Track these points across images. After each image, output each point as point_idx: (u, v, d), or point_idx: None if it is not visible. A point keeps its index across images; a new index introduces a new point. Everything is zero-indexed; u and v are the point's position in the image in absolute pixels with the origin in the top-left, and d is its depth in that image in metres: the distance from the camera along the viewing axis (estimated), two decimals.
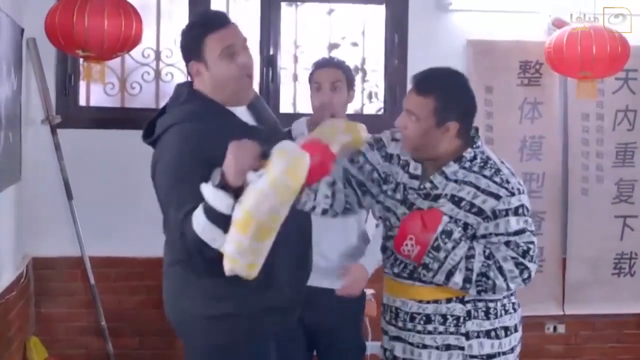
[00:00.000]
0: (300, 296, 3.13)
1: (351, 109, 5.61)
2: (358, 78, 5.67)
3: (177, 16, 5.49)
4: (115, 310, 5.32)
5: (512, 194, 2.93)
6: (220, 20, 2.99)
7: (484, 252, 2.90)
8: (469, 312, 2.99)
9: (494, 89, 5.64)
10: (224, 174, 2.65)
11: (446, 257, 2.88)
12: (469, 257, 2.89)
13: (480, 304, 2.99)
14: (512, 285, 2.93)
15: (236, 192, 2.65)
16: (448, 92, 2.94)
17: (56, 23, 4.38)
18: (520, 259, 2.90)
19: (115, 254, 5.27)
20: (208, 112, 2.92)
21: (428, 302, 3.02)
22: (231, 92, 2.96)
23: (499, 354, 3.01)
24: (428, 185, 3.01)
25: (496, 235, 2.92)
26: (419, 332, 3.04)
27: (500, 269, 2.89)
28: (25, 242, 5.07)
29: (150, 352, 5.44)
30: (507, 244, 2.91)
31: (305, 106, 5.61)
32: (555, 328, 5.82)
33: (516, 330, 3.10)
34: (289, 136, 3.56)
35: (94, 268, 5.13)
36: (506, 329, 3.04)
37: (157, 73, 5.47)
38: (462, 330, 2.99)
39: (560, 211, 5.75)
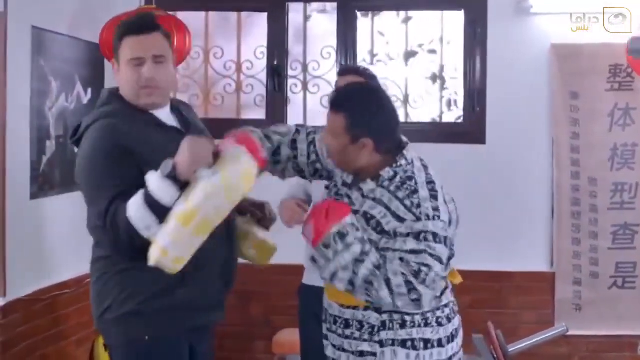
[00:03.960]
0: (219, 297, 3.08)
1: (429, 117, 5.48)
2: (436, 86, 5.48)
3: (257, 30, 5.55)
4: None
5: (418, 219, 2.72)
6: (140, 26, 2.95)
7: (377, 261, 2.73)
8: (383, 323, 2.84)
9: (580, 94, 5.26)
10: (175, 165, 2.65)
11: (334, 257, 2.76)
12: (359, 261, 2.73)
13: (396, 316, 2.83)
14: (398, 303, 2.72)
15: (181, 187, 2.66)
16: (358, 109, 2.82)
17: (104, 39, 4.56)
18: (410, 278, 2.69)
19: None
20: (123, 111, 2.91)
21: (348, 307, 2.91)
22: (131, 96, 2.93)
23: None
24: (347, 200, 2.91)
25: (392, 250, 2.74)
26: (339, 335, 2.94)
27: (387, 282, 2.71)
28: None
29: (225, 355, 5.51)
30: (401, 259, 2.72)
31: None
32: None
33: (441, 345, 2.86)
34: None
35: None
36: (426, 341, 2.84)
37: (239, 85, 5.56)
38: (376, 338, 2.85)
39: None
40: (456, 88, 5.46)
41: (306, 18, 5.54)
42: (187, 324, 2.96)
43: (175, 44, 4.58)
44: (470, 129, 5.37)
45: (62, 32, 4.66)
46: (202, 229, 2.64)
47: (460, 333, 3.00)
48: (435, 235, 2.73)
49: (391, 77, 5.45)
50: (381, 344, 2.84)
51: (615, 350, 5.33)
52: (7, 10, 4.02)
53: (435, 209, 2.76)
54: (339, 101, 2.88)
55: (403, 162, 2.84)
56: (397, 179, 2.81)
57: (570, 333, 5.17)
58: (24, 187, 4.26)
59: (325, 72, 5.45)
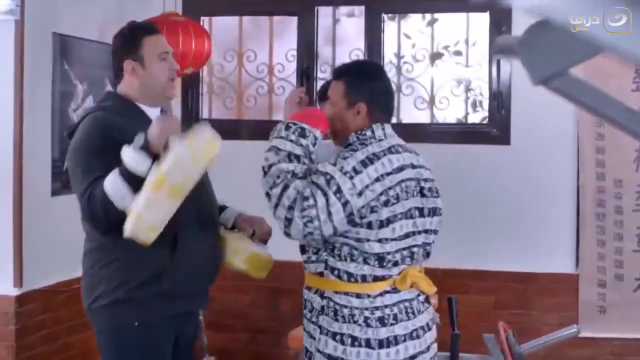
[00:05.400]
0: (202, 286, 3.27)
1: (454, 118, 5.51)
2: (461, 87, 5.50)
3: (288, 34, 5.69)
4: (230, 308, 5.61)
5: (333, 165, 2.88)
6: (155, 27, 3.28)
7: (299, 172, 2.89)
8: (322, 307, 2.95)
9: None
10: (147, 137, 2.89)
11: (282, 140, 2.94)
12: (289, 158, 2.91)
13: (331, 303, 2.94)
14: (278, 211, 2.86)
15: (154, 160, 2.89)
16: (356, 75, 3.09)
17: None
18: (298, 199, 2.82)
19: None
20: (119, 107, 3.17)
21: (305, 287, 3.06)
22: (159, 90, 3.20)
23: (341, 359, 2.91)
24: None
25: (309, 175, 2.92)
26: (303, 315, 3.07)
27: (285, 188, 2.85)
28: None
29: (260, 348, 5.66)
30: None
31: (408, 115, 5.56)
32: None
33: (369, 347, 2.91)
34: None
35: None
36: (354, 338, 2.91)
37: (270, 87, 5.70)
38: (319, 323, 2.96)
39: None
40: (481, 89, 5.47)
41: (335, 21, 5.64)
42: (172, 311, 3.15)
43: (194, 47, 4.82)
44: (495, 130, 5.37)
45: (91, 38, 4.89)
46: (173, 194, 2.86)
47: (408, 345, 2.97)
48: (338, 188, 2.83)
49: (417, 79, 5.50)
50: (320, 330, 2.95)
51: (639, 354, 5.25)
52: (24, 18, 4.25)
53: (356, 171, 2.86)
54: (340, 70, 3.19)
55: (368, 133, 3.01)
56: (356, 143, 2.99)
57: (594, 335, 5.16)
58: (44, 184, 4.50)
59: None
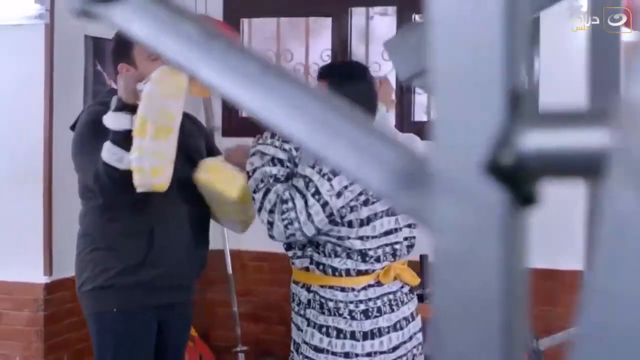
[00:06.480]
0: (184, 279, 3.42)
1: None
2: None
3: (323, 34, 5.82)
4: (267, 300, 5.78)
5: (312, 167, 2.93)
6: None
7: (280, 177, 2.96)
8: (309, 301, 3.05)
9: None
10: (119, 96, 3.07)
11: (266, 144, 3.00)
12: (274, 160, 2.98)
13: (317, 297, 3.03)
14: (260, 215, 2.94)
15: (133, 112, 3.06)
16: (338, 77, 3.10)
17: None
18: (278, 203, 2.90)
19: (267, 249, 5.67)
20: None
21: (294, 282, 3.15)
22: None
23: (327, 351, 3.00)
24: None
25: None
26: (291, 308, 3.17)
27: (266, 192, 2.93)
28: None
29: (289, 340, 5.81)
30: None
31: None
32: None
33: (354, 339, 3.01)
34: None
35: (250, 261, 5.70)
36: (339, 331, 3.00)
37: None
38: (306, 315, 3.06)
39: None
40: None
41: (368, 21, 5.75)
42: (149, 301, 3.31)
43: None
44: None
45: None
46: (159, 132, 2.98)
47: (392, 336, 3.08)
48: (317, 190, 2.89)
49: None
50: (308, 322, 3.04)
51: None
52: (54, 22, 4.50)
53: (334, 173, 2.91)
54: (324, 71, 3.22)
55: None
56: None
57: None
58: (75, 177, 4.74)
59: (386, 73, 5.63)
